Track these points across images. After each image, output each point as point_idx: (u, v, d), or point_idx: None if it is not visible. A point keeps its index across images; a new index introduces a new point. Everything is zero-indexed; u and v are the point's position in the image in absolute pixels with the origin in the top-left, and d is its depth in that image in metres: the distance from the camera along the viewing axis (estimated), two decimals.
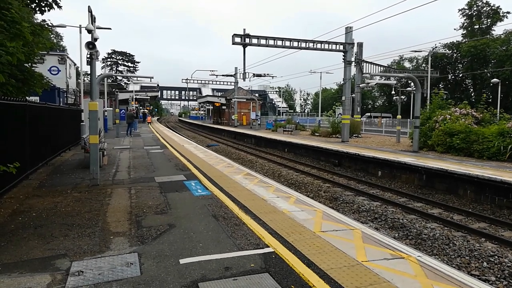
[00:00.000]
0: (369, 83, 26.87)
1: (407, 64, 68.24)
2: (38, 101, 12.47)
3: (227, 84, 54.07)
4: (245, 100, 48.00)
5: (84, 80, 28.80)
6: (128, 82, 70.96)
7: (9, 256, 4.51)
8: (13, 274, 4.01)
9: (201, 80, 56.08)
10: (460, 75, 59.63)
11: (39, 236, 5.19)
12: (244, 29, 22.40)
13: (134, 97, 46.81)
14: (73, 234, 5.28)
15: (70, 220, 5.93)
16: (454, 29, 62.89)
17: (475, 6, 58.24)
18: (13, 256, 4.51)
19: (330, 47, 23.07)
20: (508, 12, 56.95)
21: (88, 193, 7.95)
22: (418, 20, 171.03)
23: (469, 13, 58.95)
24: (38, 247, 4.81)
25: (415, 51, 36.84)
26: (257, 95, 61.20)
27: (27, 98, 9.39)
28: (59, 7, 10.12)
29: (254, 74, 39.85)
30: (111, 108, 37.63)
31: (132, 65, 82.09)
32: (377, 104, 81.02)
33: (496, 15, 57.29)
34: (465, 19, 59.78)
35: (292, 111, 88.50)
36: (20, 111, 8.45)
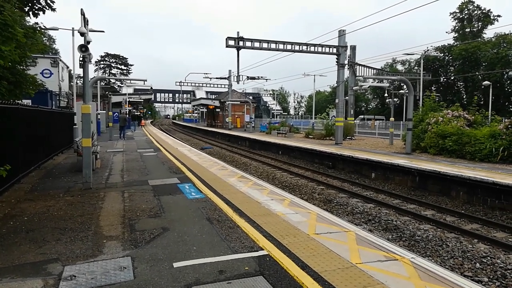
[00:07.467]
0: (362, 85, 27.03)
1: (399, 67, 68.81)
2: (30, 104, 12.37)
3: (221, 87, 54.11)
4: (239, 102, 47.99)
5: (76, 83, 28.62)
6: (122, 85, 70.57)
7: (0, 261, 4.45)
8: (4, 279, 3.96)
9: (195, 83, 56.03)
10: (452, 78, 60.22)
11: (31, 241, 5.14)
12: (238, 32, 22.50)
13: (128, 100, 46.57)
14: (65, 238, 5.23)
15: (63, 224, 5.87)
16: (446, 32, 63.53)
17: (466, 9, 58.98)
18: (5, 261, 4.45)
19: (323, 50, 23.18)
20: (498, 16, 57.88)
21: (80, 196, 7.88)
22: (411, 23, 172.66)
23: (461, 16, 59.71)
24: (30, 251, 4.76)
25: (408, 54, 37.12)
26: (251, 97, 61.13)
27: (19, 101, 9.30)
28: (53, 9, 10.01)
29: (248, 77, 39.97)
30: (104, 111, 37.41)
31: (125, 68, 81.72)
32: (370, 106, 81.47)
33: (487, 18, 58.06)
34: (456, 23, 60.55)
35: (286, 113, 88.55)
36: (12, 114, 8.37)
